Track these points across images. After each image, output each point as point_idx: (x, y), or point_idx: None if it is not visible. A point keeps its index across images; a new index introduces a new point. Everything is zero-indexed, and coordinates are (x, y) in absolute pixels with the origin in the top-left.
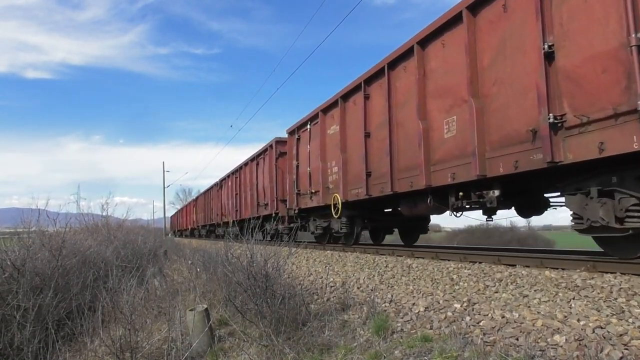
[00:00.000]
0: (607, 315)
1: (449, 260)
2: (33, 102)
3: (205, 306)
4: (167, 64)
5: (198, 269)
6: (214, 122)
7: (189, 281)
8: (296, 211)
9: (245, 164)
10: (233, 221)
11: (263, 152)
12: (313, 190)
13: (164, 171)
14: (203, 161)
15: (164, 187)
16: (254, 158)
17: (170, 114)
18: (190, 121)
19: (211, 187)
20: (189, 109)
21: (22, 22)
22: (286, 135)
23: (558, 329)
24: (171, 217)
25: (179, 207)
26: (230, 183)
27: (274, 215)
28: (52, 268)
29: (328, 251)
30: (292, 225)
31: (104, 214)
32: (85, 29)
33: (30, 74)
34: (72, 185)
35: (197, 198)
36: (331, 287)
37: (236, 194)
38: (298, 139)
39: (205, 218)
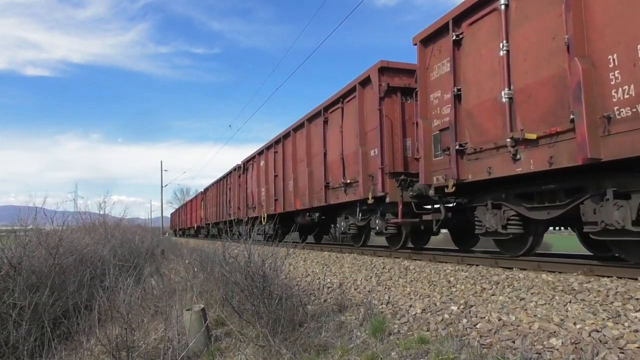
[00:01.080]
0: (603, 319)
1: (446, 262)
2: (32, 100)
3: (202, 306)
4: (168, 63)
5: (195, 269)
6: (213, 122)
7: (186, 281)
8: (452, 188)
9: (297, 128)
10: (268, 216)
11: (343, 97)
12: (525, 137)
13: (161, 170)
14: (201, 161)
15: (162, 186)
16: (319, 113)
17: (170, 113)
18: (189, 120)
19: (229, 174)
20: (188, 108)
21: (22, 19)
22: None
23: (554, 332)
24: (171, 214)
25: (176, 207)
26: (262, 164)
27: (369, 201)
28: (48, 266)
29: (325, 252)
30: (420, 218)
31: (101, 212)
32: (85, 27)
33: (30, 72)
34: (70, 184)
35: (206, 190)
36: (328, 288)
37: (275, 177)
38: (458, 41)
39: (218, 214)
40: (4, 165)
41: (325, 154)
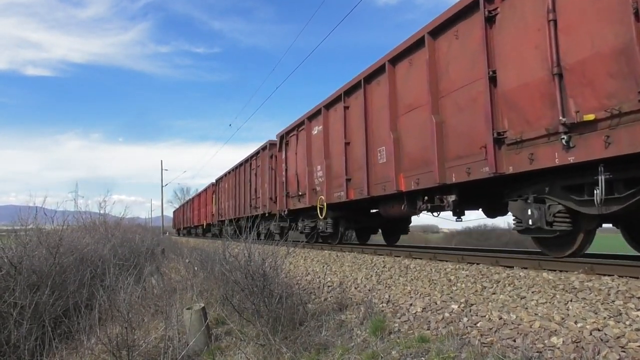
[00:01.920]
0: (605, 318)
1: (446, 261)
2: (32, 100)
3: (203, 305)
4: (168, 63)
5: (195, 268)
6: (214, 121)
7: (186, 280)
8: None
9: (400, 56)
10: (328, 206)
11: None
12: None
13: (162, 170)
14: (201, 160)
15: (162, 186)
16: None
17: (170, 113)
18: (190, 120)
19: (254, 155)
20: (189, 108)
21: (23, 19)
22: None
23: (555, 330)
24: (174, 211)
25: (177, 206)
26: (317, 130)
27: None
28: (49, 266)
29: (326, 251)
30: None
31: (102, 212)
32: (86, 27)
33: (30, 71)
34: (70, 183)
35: (219, 180)
36: (329, 286)
37: (347, 145)
38: None
39: (237, 208)
40: (4, 165)
41: (494, 79)
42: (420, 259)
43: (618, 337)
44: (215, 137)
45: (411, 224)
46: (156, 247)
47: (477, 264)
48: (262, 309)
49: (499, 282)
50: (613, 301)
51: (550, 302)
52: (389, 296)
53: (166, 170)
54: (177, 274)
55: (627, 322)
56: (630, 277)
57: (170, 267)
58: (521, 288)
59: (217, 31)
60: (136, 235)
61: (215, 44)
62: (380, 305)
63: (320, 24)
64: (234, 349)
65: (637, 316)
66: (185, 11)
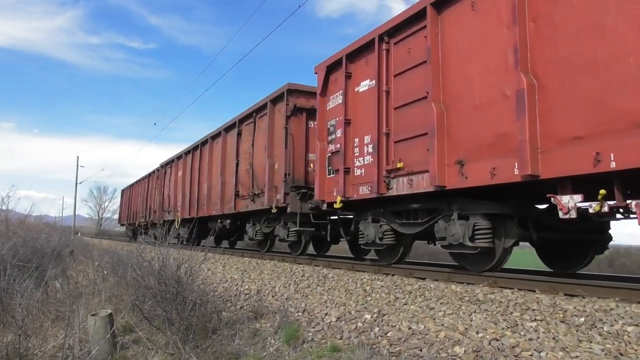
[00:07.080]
0: (503, 328)
1: (363, 271)
2: None
3: (109, 311)
4: (98, 54)
5: (105, 272)
6: (144, 119)
7: (94, 284)
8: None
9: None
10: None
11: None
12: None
13: (77, 166)
14: (123, 158)
15: (77, 183)
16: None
17: (96, 107)
18: (116, 116)
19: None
20: (118, 103)
21: None
22: None
23: (458, 340)
24: (124, 190)
25: (91, 206)
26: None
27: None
28: None
29: (246, 258)
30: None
31: (4, 207)
32: (6, 6)
33: None
34: None
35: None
36: (246, 294)
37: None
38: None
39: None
40: None
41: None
42: (339, 269)
43: (513, 347)
44: (141, 136)
45: None
46: (64, 248)
47: (393, 275)
48: (174, 317)
49: (411, 293)
50: (511, 313)
51: (456, 313)
52: (306, 305)
53: (82, 167)
54: (85, 277)
55: (522, 332)
56: (528, 290)
57: (78, 270)
58: (431, 299)
59: (154, 27)
60: (42, 234)
61: (150, 39)
62: (296, 314)
63: (260, 29)
64: (140, 358)
65: (531, 327)
66: (120, 3)
